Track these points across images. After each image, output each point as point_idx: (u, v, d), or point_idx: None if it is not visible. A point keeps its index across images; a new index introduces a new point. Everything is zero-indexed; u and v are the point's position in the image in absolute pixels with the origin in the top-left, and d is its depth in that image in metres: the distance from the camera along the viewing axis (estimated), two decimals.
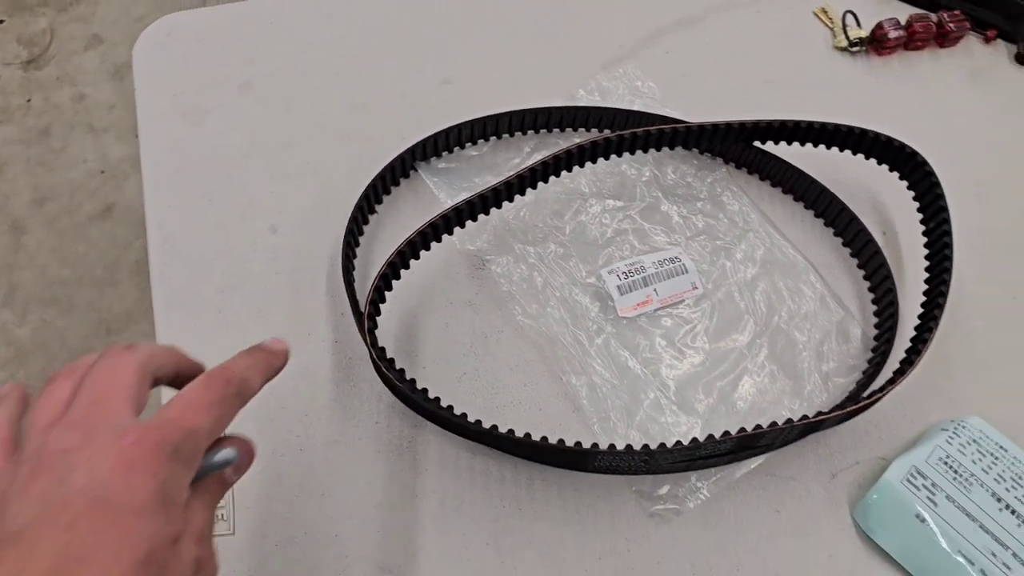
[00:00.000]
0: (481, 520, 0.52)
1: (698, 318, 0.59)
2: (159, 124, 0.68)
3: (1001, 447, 0.54)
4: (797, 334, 0.59)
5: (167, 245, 0.62)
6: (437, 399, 0.52)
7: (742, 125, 0.61)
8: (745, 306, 0.60)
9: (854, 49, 0.71)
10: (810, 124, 0.60)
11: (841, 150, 0.62)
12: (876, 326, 0.59)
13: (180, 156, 0.66)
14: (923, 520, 0.51)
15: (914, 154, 0.59)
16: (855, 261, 0.62)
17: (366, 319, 0.53)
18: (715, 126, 0.61)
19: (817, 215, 0.64)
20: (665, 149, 0.64)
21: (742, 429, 0.50)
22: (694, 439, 0.49)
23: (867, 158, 0.62)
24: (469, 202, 0.57)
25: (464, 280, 0.61)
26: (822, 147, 0.62)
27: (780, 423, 0.50)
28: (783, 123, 0.61)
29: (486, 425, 0.51)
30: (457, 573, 0.51)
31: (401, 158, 0.63)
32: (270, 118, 0.68)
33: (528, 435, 0.50)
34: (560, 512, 0.53)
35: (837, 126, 0.60)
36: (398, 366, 0.55)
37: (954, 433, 0.55)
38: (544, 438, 0.50)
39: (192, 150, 0.66)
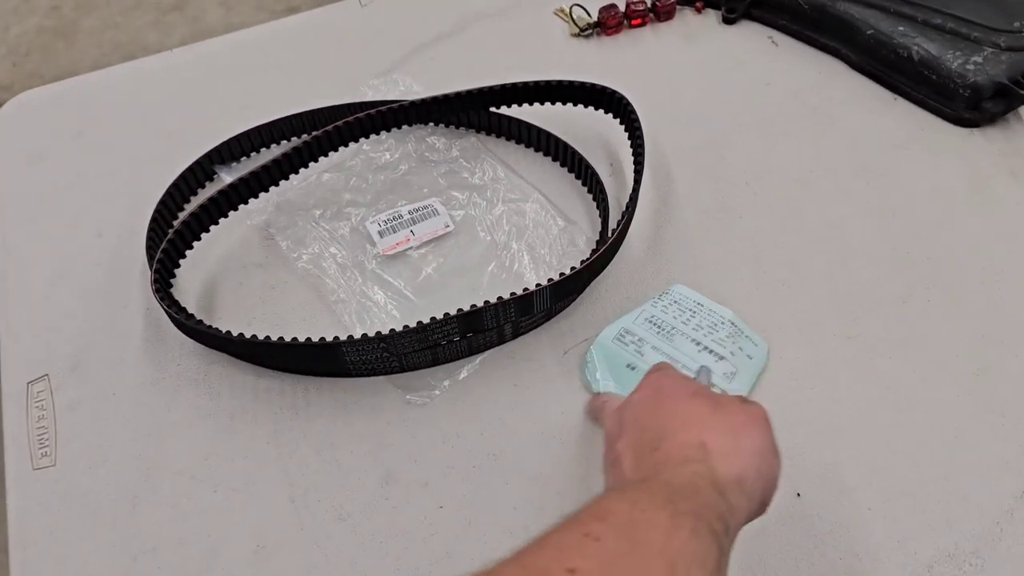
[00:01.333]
0: (264, 424, 0.62)
1: (451, 247, 0.70)
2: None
3: (699, 303, 0.65)
4: (533, 250, 0.70)
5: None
6: (217, 329, 0.63)
7: (478, 91, 0.74)
8: (490, 238, 0.71)
9: (586, 33, 0.85)
10: (533, 83, 0.74)
11: (564, 103, 0.75)
12: (599, 233, 0.71)
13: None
14: (633, 368, 0.61)
15: (613, 93, 0.72)
16: (585, 189, 0.74)
17: (152, 278, 0.65)
18: (456, 95, 0.74)
19: (554, 160, 0.77)
20: (419, 128, 0.77)
21: (460, 309, 0.61)
22: (419, 322, 0.60)
23: (585, 107, 0.75)
24: (244, 180, 0.69)
25: (255, 248, 0.72)
26: (548, 105, 0.75)
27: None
28: (512, 85, 0.74)
29: (256, 337, 0.61)
30: (243, 466, 0.60)
31: (199, 162, 0.75)
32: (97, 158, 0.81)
33: (281, 337, 0.60)
34: (330, 410, 0.62)
35: (556, 82, 0.73)
36: (198, 318, 0.66)
37: (658, 299, 0.65)
38: (295, 338, 0.60)
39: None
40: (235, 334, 0.61)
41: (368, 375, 0.64)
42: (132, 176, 0.78)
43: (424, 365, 0.64)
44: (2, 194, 0.79)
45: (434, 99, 0.74)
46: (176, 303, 0.65)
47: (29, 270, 0.73)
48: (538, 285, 0.61)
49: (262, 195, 0.71)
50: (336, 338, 0.60)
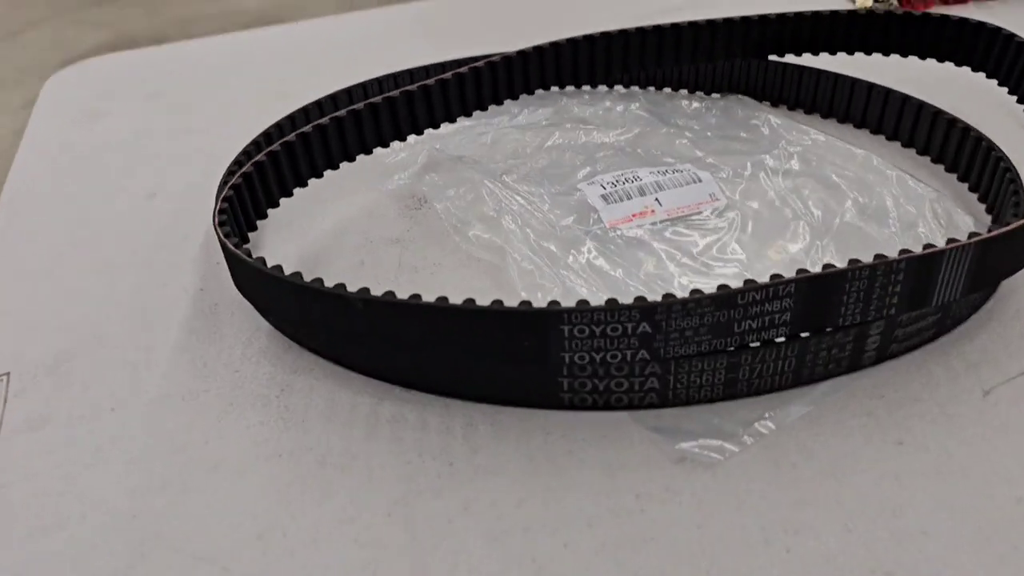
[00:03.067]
0: (386, 480, 0.31)
1: (726, 228, 0.41)
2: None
3: None
4: (875, 226, 0.39)
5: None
6: (320, 281, 0.33)
7: (748, 22, 0.47)
8: (792, 212, 0.41)
9: (882, 4, 0.59)
10: (852, 15, 0.46)
11: (904, 55, 0.47)
12: (984, 199, 0.40)
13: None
14: None
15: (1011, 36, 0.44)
16: (940, 167, 0.44)
17: (216, 211, 0.37)
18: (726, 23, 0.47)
19: (876, 132, 0.48)
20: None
21: (802, 271, 0.30)
22: (723, 286, 0.29)
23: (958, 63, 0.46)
24: (376, 104, 0.42)
25: (389, 216, 0.44)
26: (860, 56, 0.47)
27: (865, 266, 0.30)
28: (812, 15, 0.47)
29: (394, 297, 0.31)
30: (334, 559, 0.28)
31: (306, 110, 0.50)
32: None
33: (444, 298, 0.30)
34: (516, 463, 0.31)
35: (914, 16, 0.46)
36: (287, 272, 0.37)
37: None
38: (469, 301, 0.30)
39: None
40: (353, 296, 0.31)
41: (590, 407, 0.32)
42: (207, 140, 0.53)
43: (705, 396, 0.32)
44: (59, 149, 0.55)
45: (711, 27, 0.47)
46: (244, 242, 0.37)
47: (46, 228, 0.46)
48: (952, 243, 0.31)
49: (405, 141, 0.44)
50: (554, 303, 0.30)
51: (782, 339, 0.31)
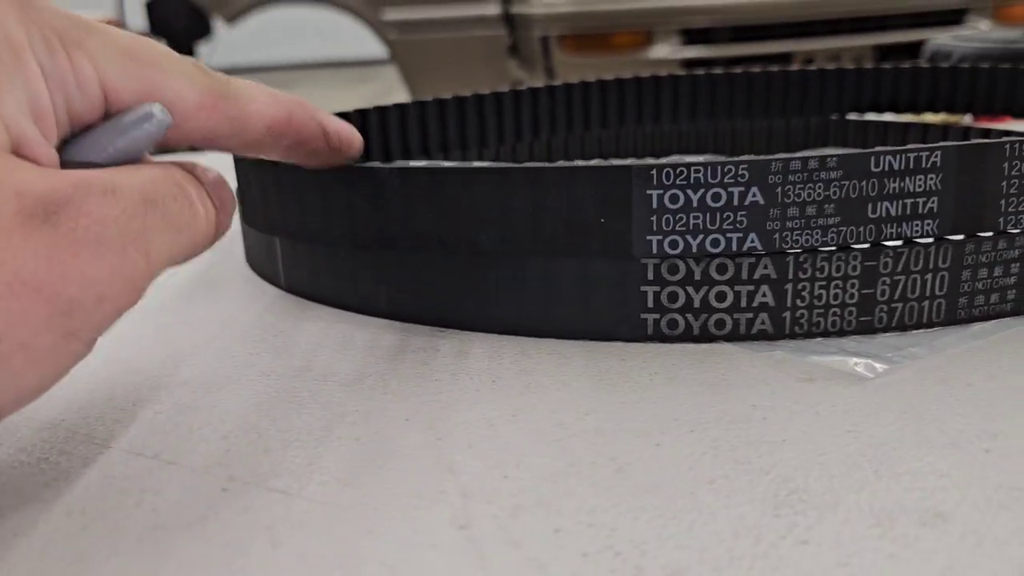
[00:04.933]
0: (403, 395, 0.23)
1: None
2: None
3: None
4: None
5: None
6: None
7: None
8: None
9: None
10: None
11: None
12: None
13: None
14: None
15: None
16: None
17: None
18: None
19: None
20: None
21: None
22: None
23: None
24: None
25: None
26: None
27: None
28: None
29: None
30: (330, 456, 0.20)
31: None
32: None
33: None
34: (582, 382, 0.23)
35: None
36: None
37: None
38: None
39: None
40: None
41: (681, 336, 0.25)
42: None
43: (833, 325, 0.24)
44: None
45: None
46: None
47: None
48: None
49: None
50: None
51: (929, 239, 0.24)
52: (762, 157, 0.23)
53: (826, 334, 0.24)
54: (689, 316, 0.24)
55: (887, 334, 0.25)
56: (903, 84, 0.48)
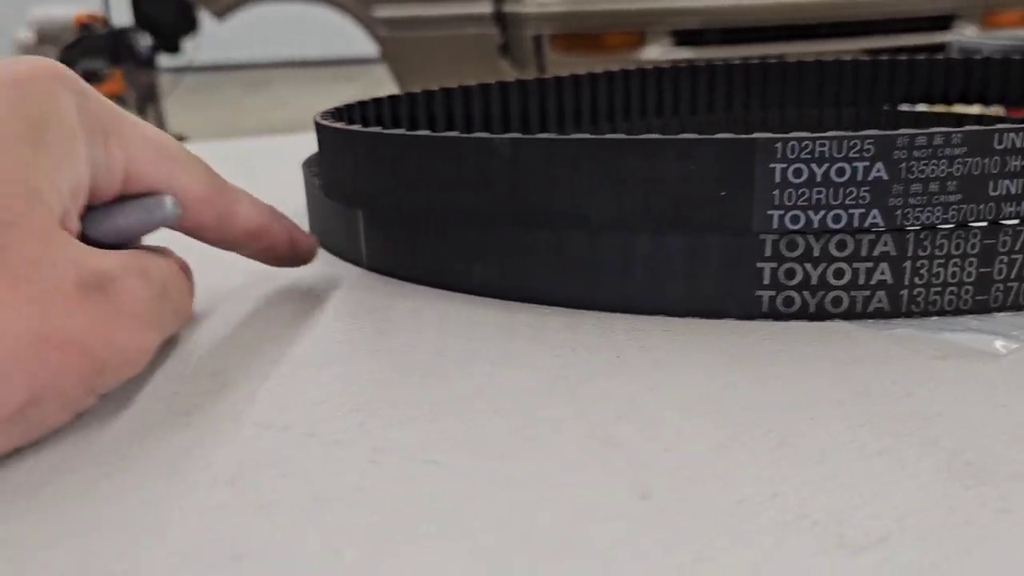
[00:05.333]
0: (526, 368, 0.22)
1: None
2: None
3: None
4: None
5: None
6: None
7: None
8: None
9: None
10: None
11: None
12: None
13: None
14: None
15: None
16: None
17: None
18: None
19: None
20: None
21: None
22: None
23: None
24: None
25: None
26: None
27: None
28: None
29: None
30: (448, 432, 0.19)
31: None
32: None
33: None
34: (711, 358, 0.22)
35: None
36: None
37: None
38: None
39: None
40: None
41: (797, 313, 0.24)
42: None
43: (949, 304, 0.24)
44: None
45: None
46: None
47: None
48: None
49: None
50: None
51: None
52: (887, 132, 0.23)
53: (942, 313, 0.24)
54: (806, 293, 0.24)
55: (1003, 313, 0.24)
56: (936, 76, 0.48)
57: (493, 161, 0.25)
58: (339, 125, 0.29)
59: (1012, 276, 0.24)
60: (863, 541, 0.15)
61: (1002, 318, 0.24)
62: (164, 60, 2.99)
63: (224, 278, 0.30)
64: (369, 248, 0.30)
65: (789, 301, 0.24)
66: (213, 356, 0.24)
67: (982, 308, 0.24)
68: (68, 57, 2.53)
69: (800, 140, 0.23)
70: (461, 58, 2.27)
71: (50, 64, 0.20)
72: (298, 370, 0.23)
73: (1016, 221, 0.24)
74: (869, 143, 0.23)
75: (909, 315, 0.24)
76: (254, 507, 0.17)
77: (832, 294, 0.24)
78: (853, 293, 0.24)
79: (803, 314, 0.24)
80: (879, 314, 0.24)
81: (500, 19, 2.27)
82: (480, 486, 0.17)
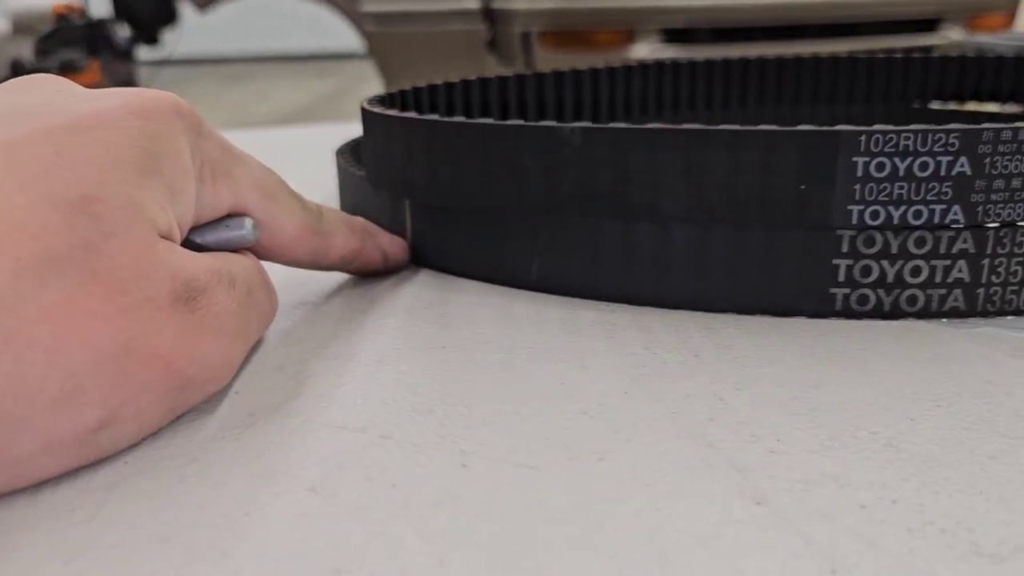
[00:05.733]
0: (600, 368, 0.21)
1: None
2: None
3: None
4: None
5: None
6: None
7: None
8: None
9: None
10: None
11: None
12: None
13: None
14: None
15: None
16: None
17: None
18: None
19: None
20: None
21: None
22: None
23: None
24: None
25: None
26: None
27: None
28: None
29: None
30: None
31: None
32: None
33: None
34: (791, 355, 0.22)
35: None
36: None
37: None
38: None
39: None
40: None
41: (871, 312, 0.24)
42: None
43: (1019, 305, 0.24)
44: None
45: None
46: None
47: None
48: None
49: None
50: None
51: None
52: (972, 126, 0.22)
53: (1018, 312, 0.24)
54: (881, 291, 0.23)
55: None
56: (950, 73, 0.47)
57: (563, 149, 0.24)
58: (392, 112, 0.28)
59: None
60: (1000, 551, 0.14)
61: None
62: (143, 52, 2.95)
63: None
64: (416, 240, 0.29)
65: (864, 299, 0.24)
66: (268, 353, 0.23)
67: None
68: (44, 47, 2.48)
69: (884, 133, 0.22)
70: (448, 54, 2.26)
71: (173, 100, 0.20)
72: (358, 367, 0.22)
73: None
74: (955, 137, 0.22)
75: (984, 314, 0.24)
76: (345, 515, 0.16)
77: (908, 292, 0.23)
78: (929, 291, 0.23)
79: (877, 312, 0.24)
80: (954, 313, 0.24)
81: (488, 15, 2.26)
82: (586, 490, 0.16)
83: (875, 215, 0.23)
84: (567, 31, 2.13)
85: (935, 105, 0.46)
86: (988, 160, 0.22)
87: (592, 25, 2.12)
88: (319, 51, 4.60)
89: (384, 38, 2.28)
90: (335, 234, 0.25)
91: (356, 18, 2.31)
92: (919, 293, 0.23)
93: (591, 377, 0.21)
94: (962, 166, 0.22)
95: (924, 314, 0.24)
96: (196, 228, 0.21)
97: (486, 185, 0.26)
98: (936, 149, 0.22)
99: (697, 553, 0.14)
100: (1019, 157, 0.22)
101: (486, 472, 0.17)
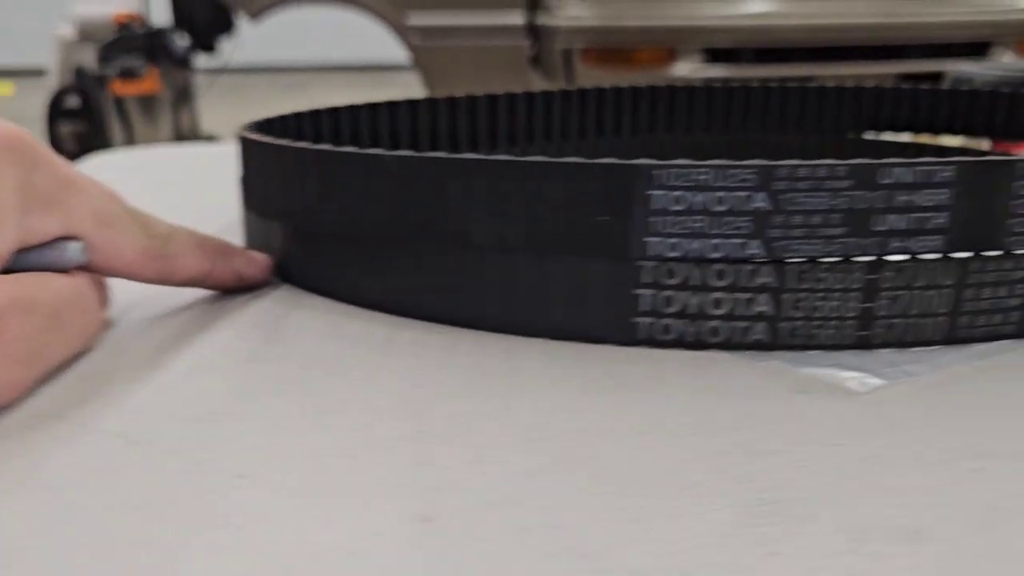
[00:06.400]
0: (388, 384, 0.22)
1: None
2: None
3: None
4: None
5: None
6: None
7: None
8: None
9: None
10: None
11: None
12: None
13: None
14: None
15: None
16: None
17: None
18: None
19: None
20: None
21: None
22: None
23: None
24: None
25: None
26: None
27: None
28: None
29: None
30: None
31: None
32: None
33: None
34: (572, 383, 0.22)
35: None
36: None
37: None
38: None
39: None
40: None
41: (673, 342, 0.24)
42: None
43: (828, 338, 0.24)
44: None
45: None
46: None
47: None
48: None
49: None
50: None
51: (934, 256, 0.23)
52: (769, 162, 0.22)
53: (823, 347, 0.24)
54: (683, 322, 0.24)
55: (885, 350, 0.24)
56: (922, 104, 0.47)
57: (384, 177, 0.25)
58: (253, 136, 0.29)
59: (895, 313, 0.24)
60: (618, 574, 0.15)
61: (881, 355, 0.24)
62: (201, 60, 3.04)
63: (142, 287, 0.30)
64: (281, 258, 0.31)
65: (666, 329, 0.24)
66: (85, 362, 0.24)
67: (864, 344, 0.24)
68: (106, 54, 2.58)
69: (680, 167, 0.22)
70: (492, 68, 2.28)
71: (7, 135, 0.21)
72: (163, 377, 0.23)
73: (901, 257, 0.23)
74: (750, 173, 0.22)
75: (789, 347, 0.24)
76: (62, 510, 0.17)
77: (710, 324, 0.24)
78: (731, 324, 0.24)
79: (681, 343, 0.24)
80: (758, 346, 0.24)
81: (532, 31, 2.28)
82: (278, 502, 0.17)
83: (674, 247, 0.23)
84: (608, 49, 2.14)
85: (870, 135, 0.46)
86: (786, 193, 0.23)
87: (634, 43, 2.13)
88: (374, 62, 4.69)
89: (429, 52, 2.32)
90: (182, 256, 0.26)
91: (402, 31, 2.36)
92: (721, 325, 0.24)
93: (369, 395, 0.22)
94: (760, 201, 0.23)
95: (727, 346, 0.24)
96: (22, 251, 0.22)
97: (329, 209, 0.27)
98: (732, 184, 0.22)
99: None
100: (818, 194, 0.23)
101: (203, 479, 0.18)
